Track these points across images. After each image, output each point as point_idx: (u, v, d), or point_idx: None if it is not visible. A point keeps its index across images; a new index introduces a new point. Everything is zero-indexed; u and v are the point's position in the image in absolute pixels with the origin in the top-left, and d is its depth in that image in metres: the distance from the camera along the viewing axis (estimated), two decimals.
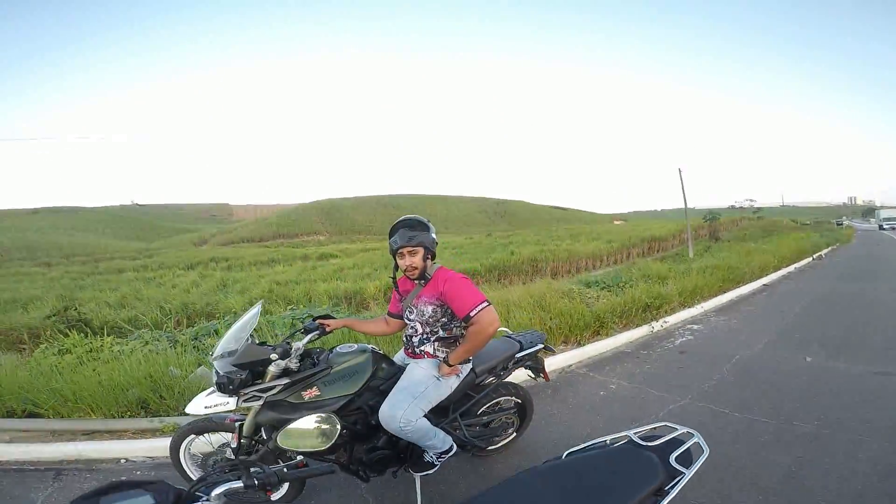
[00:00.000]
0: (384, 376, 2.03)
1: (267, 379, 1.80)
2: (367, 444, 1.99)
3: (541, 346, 2.39)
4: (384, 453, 2.00)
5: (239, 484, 0.87)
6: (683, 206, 18.57)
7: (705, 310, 5.95)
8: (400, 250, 1.93)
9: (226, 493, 0.85)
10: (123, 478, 2.40)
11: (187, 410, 1.92)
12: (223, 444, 2.06)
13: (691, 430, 1.25)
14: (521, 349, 2.29)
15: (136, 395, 3.16)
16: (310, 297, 11.16)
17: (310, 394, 1.84)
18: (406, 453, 2.01)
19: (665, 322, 5.05)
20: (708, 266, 8.19)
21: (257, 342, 1.91)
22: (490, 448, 2.38)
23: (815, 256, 12.88)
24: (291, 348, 1.88)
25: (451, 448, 2.03)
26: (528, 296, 5.20)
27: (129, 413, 3.10)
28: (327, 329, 2.16)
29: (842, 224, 38.59)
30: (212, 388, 1.87)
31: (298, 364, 1.88)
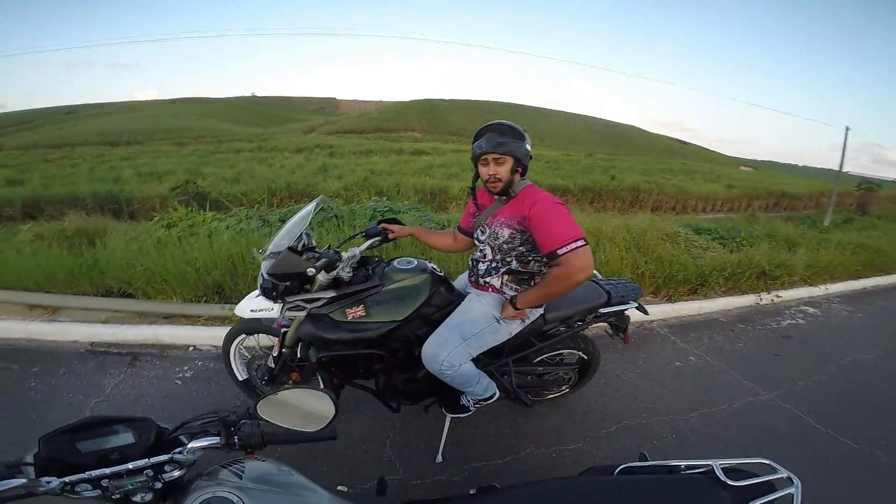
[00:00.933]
0: (439, 304, 1.78)
1: (314, 288, 1.64)
2: (405, 374, 1.84)
3: (633, 304, 2.01)
4: (421, 387, 1.87)
5: (217, 440, 0.79)
6: (837, 169, 15.53)
7: (829, 292, 5.11)
8: (484, 156, 1.59)
9: (204, 448, 0.78)
10: (187, 368, 2.60)
11: (235, 311, 1.89)
12: (269, 348, 1.98)
13: (793, 476, 0.98)
14: (609, 302, 1.92)
15: (214, 278, 3.16)
16: (398, 188, 11.62)
17: (354, 313, 1.66)
18: (443, 390, 1.84)
19: (777, 296, 4.44)
20: (849, 242, 6.89)
21: (309, 244, 1.76)
22: (535, 400, 2.19)
23: None
24: (342, 258, 1.68)
25: (492, 396, 1.86)
26: (625, 230, 4.73)
27: (205, 298, 3.13)
28: (390, 236, 1.95)
29: None
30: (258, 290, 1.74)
31: (351, 274, 1.68)
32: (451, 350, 1.65)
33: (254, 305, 1.82)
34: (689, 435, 2.26)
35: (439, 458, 1.94)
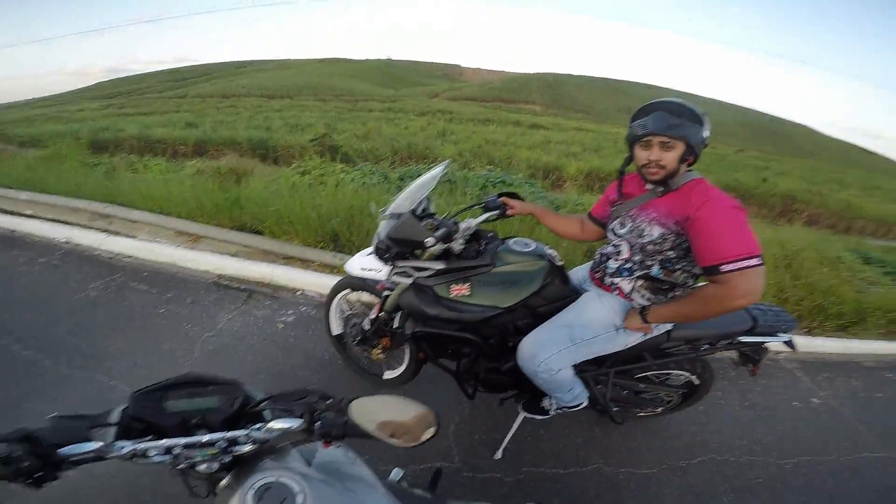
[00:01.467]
0: (550, 296, 1.59)
1: (424, 256, 1.55)
2: (490, 363, 1.71)
3: (784, 337, 1.66)
4: (503, 379, 1.73)
5: (299, 424, 0.74)
6: None
7: None
8: (647, 137, 1.29)
9: (283, 430, 0.73)
10: (291, 312, 2.66)
11: (345, 267, 1.86)
12: (370, 307, 1.93)
13: None
14: (753, 330, 1.60)
15: (333, 226, 3.24)
16: (510, 160, 11.45)
17: (458, 290, 1.53)
18: (525, 386, 1.68)
19: None
20: None
21: (428, 209, 1.67)
22: (624, 416, 1.97)
23: None
24: (458, 229, 1.57)
25: (579, 405, 1.67)
26: (777, 245, 4.08)
27: (322, 244, 3.20)
28: (509, 212, 1.77)
29: None
30: (371, 248, 1.70)
31: (463, 247, 1.57)
32: (553, 352, 1.47)
33: (364, 264, 1.78)
34: (779, 486, 1.96)
35: (499, 454, 1.85)
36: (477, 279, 1.54)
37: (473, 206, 1.88)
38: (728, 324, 1.61)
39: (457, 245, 1.55)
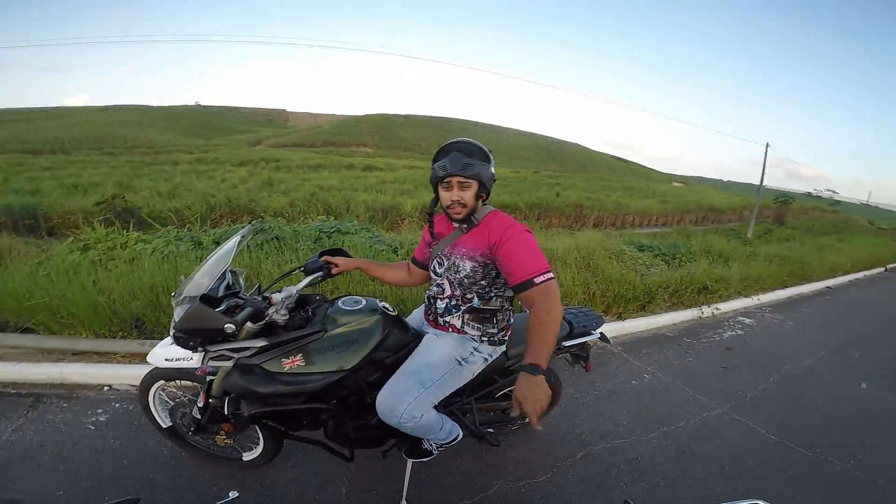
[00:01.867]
0: (393, 347, 1.59)
1: (241, 335, 1.40)
2: (357, 421, 1.64)
3: (596, 334, 1.97)
4: (376, 433, 1.68)
5: None
6: (758, 183, 17.09)
7: (761, 302, 5.47)
8: (447, 178, 1.41)
9: None
10: (101, 411, 2.26)
11: (148, 359, 1.62)
12: (195, 394, 1.72)
13: None
14: (571, 334, 1.86)
15: (132, 310, 2.82)
16: (348, 205, 11.31)
17: (292, 363, 1.43)
18: (402, 434, 1.65)
19: (717, 308, 4.67)
20: (775, 254, 7.49)
21: (235, 284, 1.53)
22: (500, 435, 2.08)
23: (888, 267, 11.61)
24: (273, 302, 1.46)
25: (456, 437, 1.73)
26: (574, 249, 4.80)
27: (122, 332, 2.79)
28: (334, 270, 1.73)
29: None
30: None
31: (287, 316, 1.46)
32: (410, 401, 1.47)
33: (169, 354, 1.56)
34: (653, 456, 2.24)
35: (403, 503, 1.78)
36: (310, 348, 1.45)
37: (293, 271, 1.78)
38: None
39: (279, 316, 1.44)
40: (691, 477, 2.11)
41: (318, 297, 1.64)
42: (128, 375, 2.50)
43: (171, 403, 1.83)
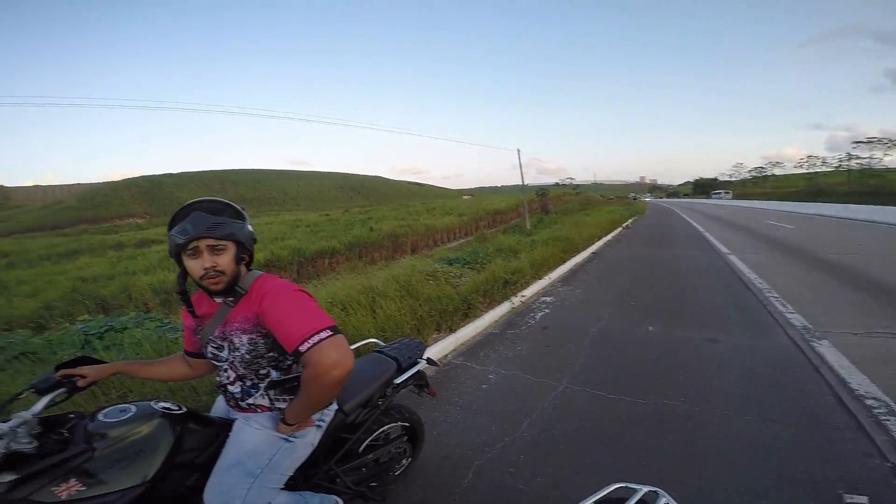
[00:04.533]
0: (197, 445, 1.37)
1: None
2: None
3: (422, 361, 2.00)
4: None
5: None
6: (520, 183, 20.77)
7: (552, 280, 6.56)
8: (194, 244, 1.18)
9: None
10: None
11: None
12: None
13: (655, 489, 1.00)
14: (399, 369, 1.86)
15: None
16: (128, 293, 9.19)
17: (68, 489, 1.18)
18: None
19: (523, 296, 5.37)
20: (549, 238, 9.14)
21: None
22: (384, 488, 1.97)
23: (624, 226, 15.66)
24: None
25: None
26: (393, 280, 4.89)
27: None
28: (80, 383, 1.37)
29: (636, 199, 47.86)
30: None
31: (33, 443, 1.19)
32: (244, 495, 1.25)
33: None
34: (530, 449, 2.33)
35: None
36: (84, 468, 1.19)
37: (18, 395, 1.35)
38: (379, 374, 1.79)
39: (23, 445, 1.15)
40: (573, 457, 2.25)
41: (71, 416, 1.31)
42: None
43: None
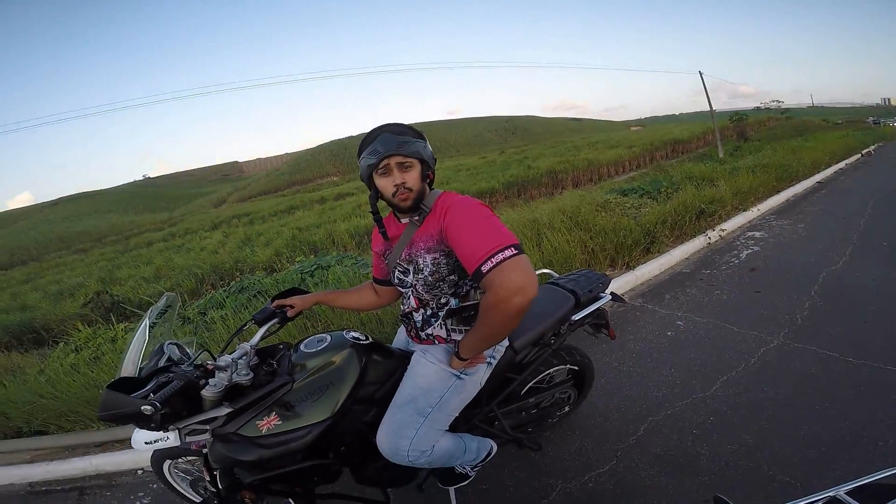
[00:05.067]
0: (377, 378, 1.41)
1: (206, 406, 1.26)
2: (377, 463, 1.45)
3: (606, 296, 1.73)
4: (401, 470, 1.48)
5: None
6: (707, 109, 17.23)
7: (762, 213, 5.25)
8: (385, 162, 1.18)
9: None
10: (142, 494, 2.20)
11: (132, 444, 1.48)
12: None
13: None
14: (578, 304, 1.63)
15: None
16: (332, 238, 11.01)
17: (267, 424, 1.29)
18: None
19: (722, 230, 4.42)
20: (754, 165, 7.32)
21: (182, 356, 1.37)
22: (540, 435, 1.89)
23: (863, 153, 11.75)
24: (220, 365, 1.27)
25: (490, 452, 1.55)
26: (558, 212, 4.52)
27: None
28: (290, 313, 1.51)
29: (879, 123, 35.30)
30: None
31: (250, 375, 1.30)
32: (413, 436, 1.29)
33: (147, 437, 1.40)
34: (728, 412, 1.92)
35: None
36: (282, 402, 1.30)
37: (243, 327, 1.55)
38: (555, 309, 1.60)
39: (241, 377, 1.26)
40: (781, 427, 1.78)
41: (280, 347, 1.45)
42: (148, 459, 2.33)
43: (190, 478, 1.77)
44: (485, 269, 1.04)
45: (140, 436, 1.43)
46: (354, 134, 72.94)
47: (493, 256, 1.03)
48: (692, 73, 18.40)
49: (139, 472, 2.42)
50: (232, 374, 1.25)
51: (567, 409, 1.93)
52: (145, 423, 1.16)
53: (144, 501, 2.21)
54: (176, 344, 1.40)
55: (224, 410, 1.26)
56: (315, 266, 5.01)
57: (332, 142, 70.21)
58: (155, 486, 2.23)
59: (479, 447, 1.50)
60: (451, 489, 1.60)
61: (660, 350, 2.50)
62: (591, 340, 2.22)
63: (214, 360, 1.31)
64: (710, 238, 4.21)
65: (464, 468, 1.54)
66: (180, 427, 1.27)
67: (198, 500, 1.77)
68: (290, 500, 1.58)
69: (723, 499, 0.87)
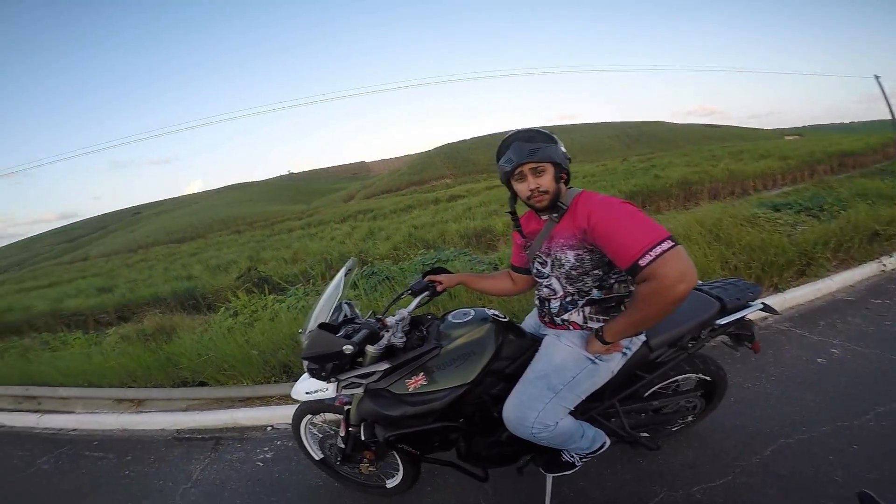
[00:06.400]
0: (511, 354, 1.54)
1: (366, 361, 1.47)
2: (488, 438, 1.61)
3: (758, 305, 1.67)
4: (510, 449, 1.61)
5: None
6: (888, 118, 14.25)
7: None
8: (519, 170, 1.33)
9: None
10: (267, 449, 2.55)
11: (291, 394, 1.79)
12: (338, 426, 1.84)
13: None
14: (723, 310, 1.59)
15: (279, 358, 3.25)
16: (443, 237, 11.74)
17: (415, 383, 1.47)
18: (538, 447, 1.55)
19: None
20: None
21: (352, 315, 1.62)
22: (656, 439, 1.85)
23: None
24: (388, 324, 1.52)
25: (602, 446, 1.57)
26: (696, 223, 4.30)
27: (274, 378, 3.17)
28: (439, 288, 1.75)
29: None
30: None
31: (404, 339, 1.50)
32: (541, 409, 1.38)
33: (308, 387, 1.71)
34: (875, 442, 1.84)
35: None
36: (430, 365, 1.48)
37: (401, 295, 1.82)
38: (697, 313, 1.58)
39: (397, 339, 1.49)
40: None
41: (429, 317, 1.68)
42: (283, 415, 2.81)
43: (320, 436, 2.00)
44: (643, 262, 1.11)
45: (302, 386, 1.74)
46: (467, 138, 74.86)
47: (651, 250, 1.11)
48: (865, 77, 15.35)
49: (269, 428, 2.76)
50: (392, 335, 1.47)
51: (691, 418, 1.89)
52: (333, 366, 1.42)
53: (268, 455, 2.48)
54: (348, 303, 1.65)
55: (384, 365, 1.46)
56: (435, 259, 5.60)
57: (446, 145, 73.35)
58: (279, 442, 2.58)
59: (595, 437, 1.54)
60: (550, 478, 1.66)
61: (804, 375, 2.38)
62: (727, 356, 2.20)
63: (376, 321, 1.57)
64: (884, 265, 3.70)
65: (572, 456, 1.58)
66: (342, 379, 1.48)
67: (318, 458, 2.03)
68: (400, 465, 1.81)
69: (869, 494, 0.90)
